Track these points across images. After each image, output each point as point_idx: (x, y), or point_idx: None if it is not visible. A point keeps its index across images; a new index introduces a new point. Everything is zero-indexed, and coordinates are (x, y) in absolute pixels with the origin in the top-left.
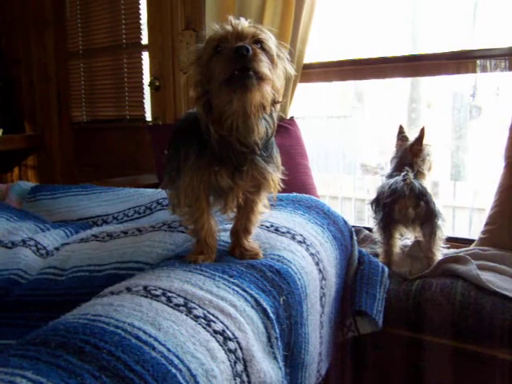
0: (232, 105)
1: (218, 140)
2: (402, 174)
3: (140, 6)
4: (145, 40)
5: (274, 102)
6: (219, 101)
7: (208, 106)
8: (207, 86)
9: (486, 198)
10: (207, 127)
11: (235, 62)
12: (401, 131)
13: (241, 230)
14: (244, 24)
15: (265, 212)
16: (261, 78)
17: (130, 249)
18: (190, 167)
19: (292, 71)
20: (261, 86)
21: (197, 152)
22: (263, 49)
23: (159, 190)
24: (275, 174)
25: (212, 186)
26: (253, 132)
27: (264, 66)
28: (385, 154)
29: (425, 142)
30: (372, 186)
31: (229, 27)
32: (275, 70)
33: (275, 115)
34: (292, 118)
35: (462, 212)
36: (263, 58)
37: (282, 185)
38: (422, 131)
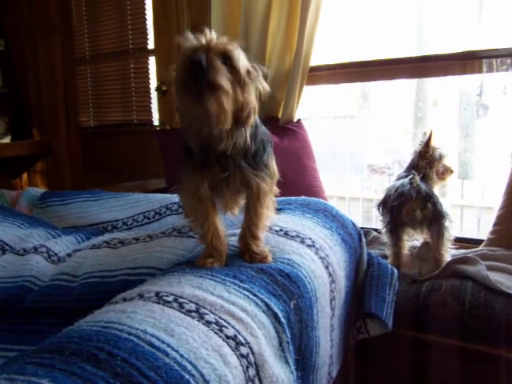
0: (189, 110)
1: (197, 147)
2: (409, 177)
3: (146, 11)
4: (151, 45)
5: (239, 115)
6: (181, 106)
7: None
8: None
9: (494, 197)
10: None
11: (191, 72)
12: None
13: (248, 234)
14: (215, 39)
15: (270, 216)
16: (216, 89)
17: (141, 254)
18: (185, 173)
19: (267, 89)
20: (216, 96)
21: (190, 158)
22: (231, 65)
23: (168, 194)
24: (263, 183)
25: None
26: (221, 141)
27: (221, 78)
28: (392, 154)
29: (434, 144)
30: (379, 185)
31: (203, 40)
32: (244, 88)
33: (248, 129)
34: (299, 120)
35: (471, 211)
36: (222, 71)
37: (279, 190)
38: (430, 133)
